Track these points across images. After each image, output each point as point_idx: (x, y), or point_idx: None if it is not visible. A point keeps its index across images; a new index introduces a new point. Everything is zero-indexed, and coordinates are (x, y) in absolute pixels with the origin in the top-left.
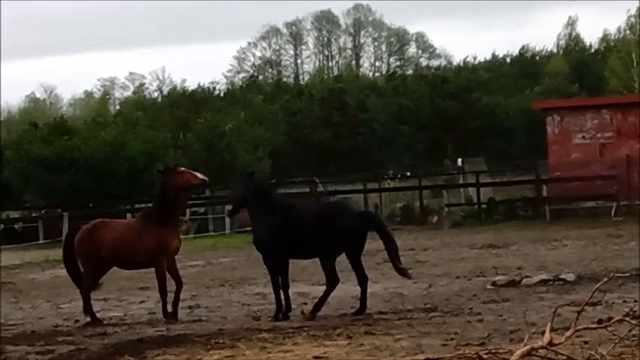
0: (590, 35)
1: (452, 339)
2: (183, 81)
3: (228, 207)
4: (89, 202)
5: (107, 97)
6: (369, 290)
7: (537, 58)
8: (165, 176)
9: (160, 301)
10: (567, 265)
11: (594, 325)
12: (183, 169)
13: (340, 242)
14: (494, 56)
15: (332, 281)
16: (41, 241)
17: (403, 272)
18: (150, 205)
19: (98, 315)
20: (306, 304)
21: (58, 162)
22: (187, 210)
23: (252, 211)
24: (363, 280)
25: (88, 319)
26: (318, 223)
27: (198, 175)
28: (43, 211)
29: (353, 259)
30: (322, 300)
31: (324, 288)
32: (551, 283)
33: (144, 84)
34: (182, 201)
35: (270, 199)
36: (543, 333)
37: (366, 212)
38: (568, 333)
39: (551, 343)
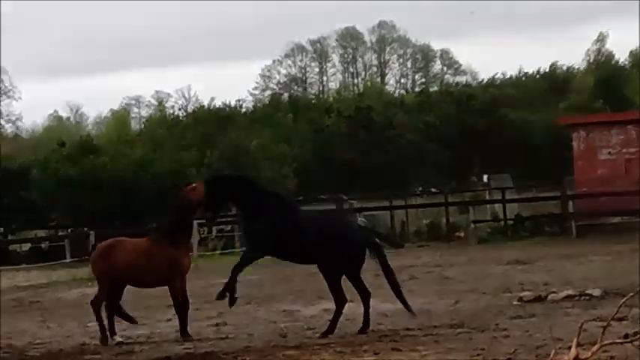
0: (621, 51)
1: (478, 355)
2: (212, 99)
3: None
4: (116, 221)
5: (128, 115)
6: (396, 307)
7: (563, 74)
8: (181, 195)
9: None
10: (593, 280)
11: (620, 340)
12: (193, 185)
13: (343, 264)
14: (521, 73)
15: (338, 302)
16: (68, 260)
17: (404, 302)
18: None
19: (125, 333)
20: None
21: (84, 181)
22: (214, 228)
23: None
24: (365, 297)
25: (120, 338)
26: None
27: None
28: (69, 230)
29: (352, 278)
30: (333, 322)
31: (350, 305)
32: (577, 298)
33: (165, 101)
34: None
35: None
36: (569, 348)
37: (365, 235)
38: (594, 348)
39: (577, 358)
